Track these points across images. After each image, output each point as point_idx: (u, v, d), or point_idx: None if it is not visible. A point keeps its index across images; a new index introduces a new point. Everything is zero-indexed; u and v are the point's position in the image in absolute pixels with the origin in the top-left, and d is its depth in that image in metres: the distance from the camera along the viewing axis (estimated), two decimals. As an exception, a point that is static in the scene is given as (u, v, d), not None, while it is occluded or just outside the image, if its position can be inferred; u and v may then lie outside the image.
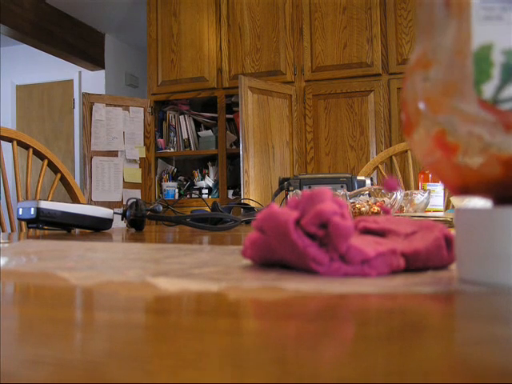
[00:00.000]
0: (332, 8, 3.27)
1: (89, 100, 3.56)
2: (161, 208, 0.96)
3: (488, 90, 0.22)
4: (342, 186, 1.28)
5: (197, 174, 3.72)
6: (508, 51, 0.21)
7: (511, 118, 0.22)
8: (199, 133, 3.71)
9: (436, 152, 0.25)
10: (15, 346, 0.17)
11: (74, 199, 1.44)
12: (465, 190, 0.26)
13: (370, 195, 0.90)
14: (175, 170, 3.84)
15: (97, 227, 0.92)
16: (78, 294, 0.27)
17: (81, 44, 4.50)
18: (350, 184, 1.29)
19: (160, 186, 3.74)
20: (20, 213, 0.89)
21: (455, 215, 0.27)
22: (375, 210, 0.84)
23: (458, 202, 0.84)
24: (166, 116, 3.77)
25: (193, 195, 3.55)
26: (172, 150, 3.72)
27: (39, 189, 1.41)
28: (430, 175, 1.35)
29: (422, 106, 0.25)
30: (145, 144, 3.67)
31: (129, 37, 4.91)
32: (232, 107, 3.57)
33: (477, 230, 0.25)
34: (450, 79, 0.23)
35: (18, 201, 1.16)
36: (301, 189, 1.28)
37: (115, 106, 3.63)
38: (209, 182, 3.66)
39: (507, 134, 0.22)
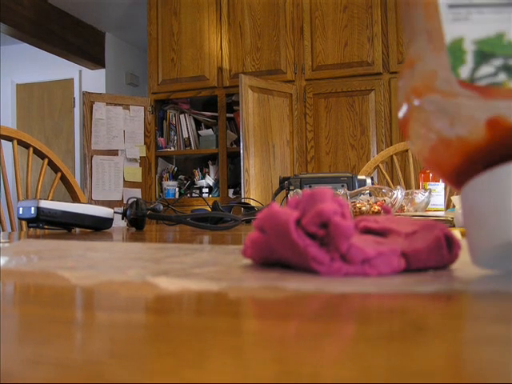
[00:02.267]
0: (333, 7, 3.27)
1: (89, 99, 3.56)
2: (161, 207, 0.96)
3: (464, 72, 0.25)
4: (342, 186, 1.28)
5: (197, 172, 3.72)
6: (478, 41, 0.25)
7: (488, 90, 0.25)
8: (199, 132, 3.71)
9: (430, 134, 0.27)
10: (15, 345, 0.17)
11: (75, 198, 1.44)
12: (463, 168, 0.27)
13: (370, 194, 0.90)
14: (175, 168, 3.84)
15: (97, 227, 0.92)
16: (78, 293, 0.27)
17: (81, 43, 4.50)
18: (350, 183, 1.29)
19: (160, 185, 3.74)
20: (20, 212, 0.89)
21: (461, 194, 0.27)
22: (376, 210, 0.84)
23: (459, 200, 0.84)
24: (166, 115, 3.77)
25: (193, 194, 3.55)
26: (172, 148, 3.72)
27: (39, 188, 1.41)
28: (431, 174, 1.35)
29: (410, 96, 0.28)
30: (145, 143, 3.67)
31: (129, 35, 4.91)
32: (232, 106, 3.57)
33: (483, 194, 0.26)
34: (431, 69, 0.27)
35: (18, 200, 1.16)
36: (301, 188, 1.28)
37: (115, 104, 3.63)
38: (209, 181, 3.66)
39: (487, 101, 0.25)
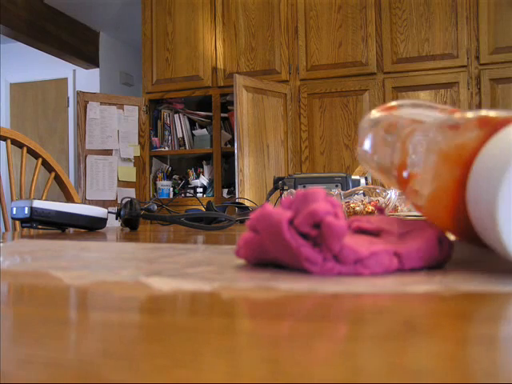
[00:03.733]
0: (327, 7, 3.27)
1: (83, 98, 3.55)
2: (155, 207, 0.95)
3: None
4: (336, 186, 1.28)
5: (191, 172, 3.72)
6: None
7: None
8: (194, 131, 3.70)
9: (431, 155, 0.31)
10: (8, 345, 0.17)
11: (69, 198, 1.44)
12: (463, 189, 0.28)
13: (364, 194, 0.90)
14: (170, 168, 3.83)
15: (91, 227, 0.92)
16: (71, 293, 0.27)
17: (75, 42, 4.49)
18: (344, 183, 1.29)
19: (154, 184, 3.74)
20: (14, 212, 0.88)
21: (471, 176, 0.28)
22: (370, 210, 0.84)
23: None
24: (160, 115, 3.77)
25: (187, 194, 3.54)
26: (167, 148, 3.72)
27: (33, 188, 1.41)
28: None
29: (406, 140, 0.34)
30: (139, 143, 3.67)
31: (124, 35, 4.90)
32: (227, 106, 3.56)
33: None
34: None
35: (11, 200, 1.16)
36: (295, 188, 1.28)
37: (110, 104, 3.62)
38: (203, 180, 3.66)
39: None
